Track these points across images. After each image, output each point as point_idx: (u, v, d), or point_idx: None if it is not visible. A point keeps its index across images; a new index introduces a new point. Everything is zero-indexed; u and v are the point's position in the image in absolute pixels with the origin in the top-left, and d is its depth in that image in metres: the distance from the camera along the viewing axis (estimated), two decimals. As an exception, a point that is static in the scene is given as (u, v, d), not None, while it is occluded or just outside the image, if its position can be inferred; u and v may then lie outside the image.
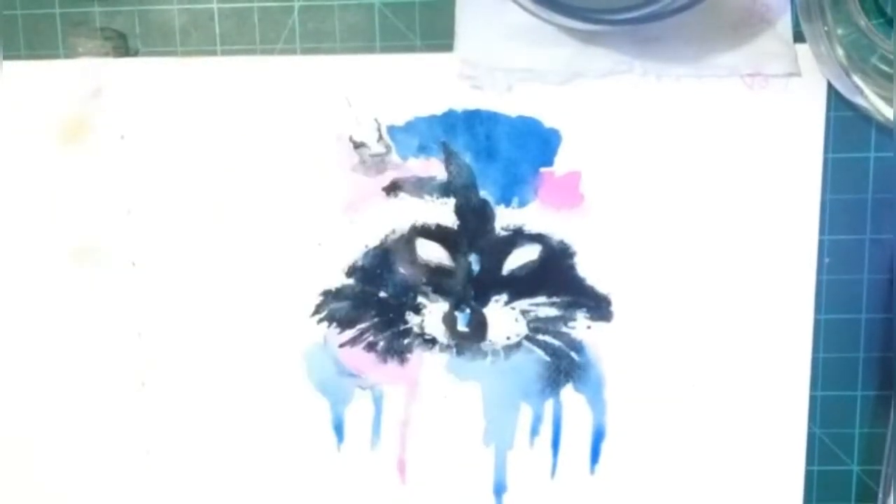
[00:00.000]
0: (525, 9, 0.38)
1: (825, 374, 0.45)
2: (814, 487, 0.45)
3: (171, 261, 0.45)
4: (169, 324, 0.45)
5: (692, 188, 0.43)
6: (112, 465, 0.46)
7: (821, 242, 0.44)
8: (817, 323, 0.44)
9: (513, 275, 0.44)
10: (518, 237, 0.44)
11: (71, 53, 0.44)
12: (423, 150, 0.43)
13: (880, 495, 0.45)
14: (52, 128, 0.44)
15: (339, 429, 0.45)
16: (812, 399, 0.45)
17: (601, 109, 0.43)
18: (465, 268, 0.44)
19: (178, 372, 0.45)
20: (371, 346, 0.45)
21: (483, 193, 0.43)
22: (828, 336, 0.44)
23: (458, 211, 0.43)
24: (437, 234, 0.44)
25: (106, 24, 0.44)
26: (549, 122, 0.43)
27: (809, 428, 0.45)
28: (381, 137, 0.43)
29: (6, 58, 0.44)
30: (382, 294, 0.44)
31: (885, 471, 0.44)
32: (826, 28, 0.40)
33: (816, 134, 0.43)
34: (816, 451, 0.45)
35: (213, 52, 0.44)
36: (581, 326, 0.44)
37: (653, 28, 0.41)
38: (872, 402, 0.45)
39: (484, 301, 0.44)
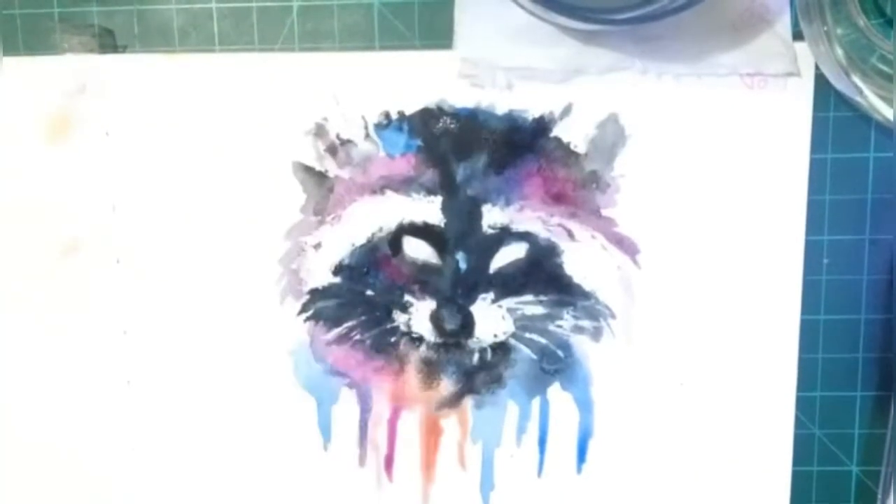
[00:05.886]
0: (524, 8, 0.40)
1: (825, 374, 0.47)
2: (813, 488, 0.47)
3: (157, 258, 0.47)
4: (154, 322, 0.47)
5: (690, 187, 0.46)
6: (97, 464, 0.48)
7: (821, 242, 0.46)
8: (817, 323, 0.46)
9: (500, 273, 0.46)
10: (505, 235, 0.46)
11: (57, 50, 0.46)
12: (409, 147, 0.46)
13: (880, 496, 0.47)
14: (37, 124, 0.46)
15: (325, 427, 0.48)
16: (812, 399, 0.47)
17: (598, 108, 0.45)
18: (451, 266, 0.46)
19: (163, 370, 0.48)
20: (358, 345, 0.47)
21: (470, 192, 0.46)
22: (828, 336, 0.47)
23: (445, 209, 0.46)
24: (424, 232, 0.46)
25: (104, 23, 0.46)
26: (540, 119, 0.46)
27: (809, 428, 0.47)
28: (367, 135, 0.46)
29: (5, 57, 0.46)
30: (369, 292, 0.47)
31: (885, 471, 0.46)
32: (825, 28, 0.42)
33: (817, 133, 0.45)
34: (816, 451, 0.47)
35: (212, 52, 0.46)
36: (568, 325, 0.46)
37: (652, 27, 0.43)
38: (872, 403, 0.47)
39: (471, 299, 0.46)
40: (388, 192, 0.46)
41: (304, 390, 0.48)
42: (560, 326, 0.47)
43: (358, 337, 0.47)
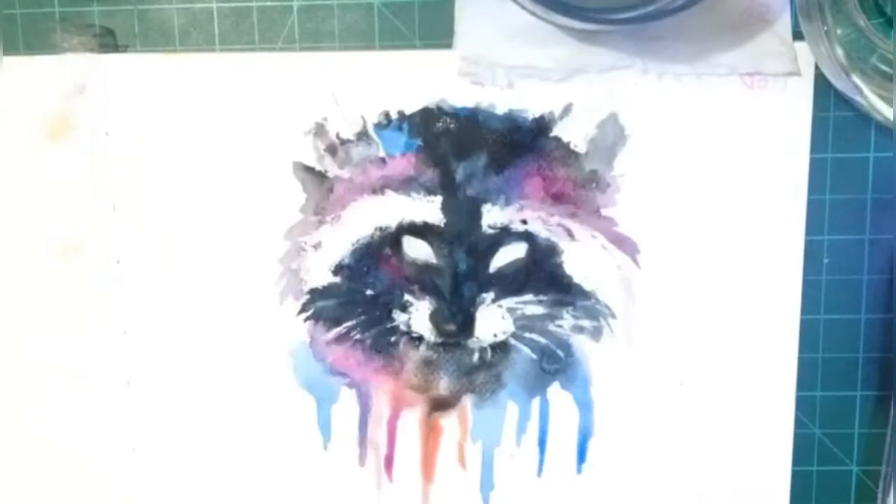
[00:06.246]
0: (524, 8, 0.40)
1: (825, 374, 0.47)
2: (813, 487, 0.48)
3: (157, 258, 0.47)
4: (154, 321, 0.48)
5: (690, 187, 0.46)
6: (97, 464, 0.49)
7: (821, 242, 0.46)
8: (817, 323, 0.46)
9: (500, 273, 0.46)
10: (505, 235, 0.46)
11: (57, 50, 0.46)
12: (409, 147, 0.46)
13: (880, 495, 0.47)
14: (36, 124, 0.47)
15: (325, 427, 0.48)
16: (812, 399, 0.47)
17: (598, 108, 0.45)
18: (451, 266, 0.46)
19: (163, 370, 0.48)
20: (358, 344, 0.47)
21: (470, 191, 0.46)
22: (828, 336, 0.47)
23: (445, 209, 0.46)
24: (423, 231, 0.46)
25: (105, 23, 0.46)
26: (540, 119, 0.46)
27: (809, 428, 0.47)
28: (367, 135, 0.46)
29: (5, 56, 0.47)
30: (369, 292, 0.47)
31: (885, 471, 0.47)
32: (826, 28, 0.42)
33: (817, 133, 0.45)
34: (816, 451, 0.47)
35: (212, 52, 0.46)
36: (568, 325, 0.47)
37: (652, 27, 0.43)
38: (872, 403, 0.47)
39: (471, 299, 0.46)
40: (388, 192, 0.46)
41: (303, 390, 0.48)
42: (560, 326, 0.47)
43: (358, 336, 0.47)
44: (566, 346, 0.47)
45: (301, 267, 0.47)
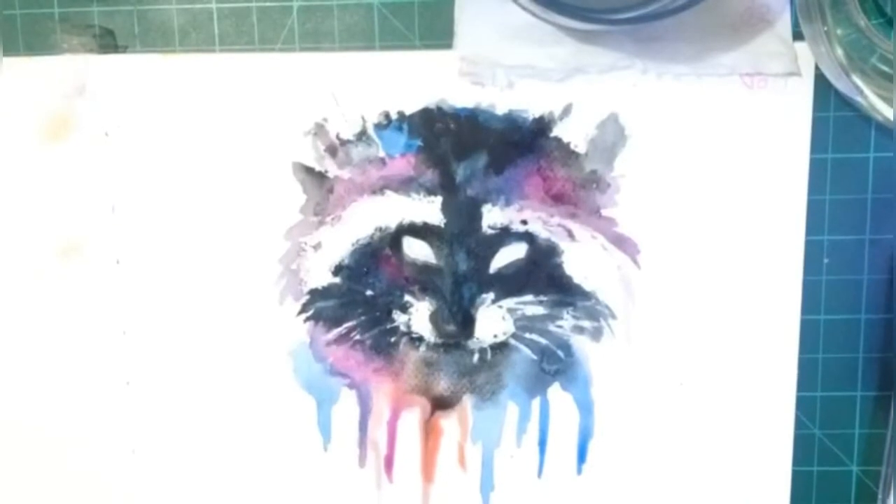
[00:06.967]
0: (524, 8, 0.40)
1: (825, 374, 0.47)
2: (813, 488, 0.48)
3: (157, 258, 0.47)
4: (154, 322, 0.48)
5: (690, 187, 0.46)
6: (97, 465, 0.49)
7: (821, 242, 0.46)
8: (817, 323, 0.46)
9: (500, 273, 0.46)
10: (505, 236, 0.46)
11: (57, 50, 0.46)
12: (409, 147, 0.46)
13: (880, 496, 0.47)
14: (36, 124, 0.47)
15: (325, 428, 0.48)
16: (812, 399, 0.47)
17: (598, 108, 0.45)
18: (452, 266, 0.46)
19: (163, 370, 0.48)
20: (358, 345, 0.47)
21: (470, 192, 0.46)
22: (828, 336, 0.47)
23: (445, 209, 0.46)
24: (423, 232, 0.46)
25: (104, 23, 0.46)
26: (540, 119, 0.46)
27: (809, 428, 0.47)
28: (367, 135, 0.46)
29: (5, 57, 0.47)
30: (369, 292, 0.47)
31: (885, 471, 0.47)
32: (826, 28, 0.42)
33: (817, 133, 0.45)
34: (816, 451, 0.47)
35: (212, 52, 0.47)
36: (568, 325, 0.47)
37: (652, 27, 0.43)
38: (872, 403, 0.47)
39: (471, 299, 0.46)
40: (388, 193, 0.46)
41: (303, 390, 0.48)
42: (560, 326, 0.47)
43: (358, 337, 0.47)
44: (566, 347, 0.47)
45: (301, 267, 0.47)
